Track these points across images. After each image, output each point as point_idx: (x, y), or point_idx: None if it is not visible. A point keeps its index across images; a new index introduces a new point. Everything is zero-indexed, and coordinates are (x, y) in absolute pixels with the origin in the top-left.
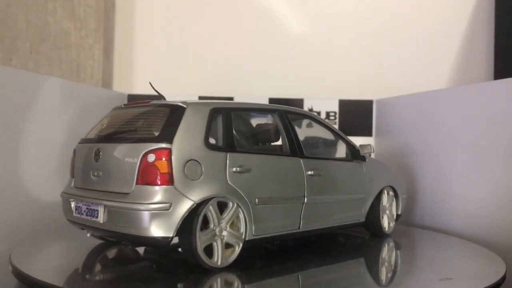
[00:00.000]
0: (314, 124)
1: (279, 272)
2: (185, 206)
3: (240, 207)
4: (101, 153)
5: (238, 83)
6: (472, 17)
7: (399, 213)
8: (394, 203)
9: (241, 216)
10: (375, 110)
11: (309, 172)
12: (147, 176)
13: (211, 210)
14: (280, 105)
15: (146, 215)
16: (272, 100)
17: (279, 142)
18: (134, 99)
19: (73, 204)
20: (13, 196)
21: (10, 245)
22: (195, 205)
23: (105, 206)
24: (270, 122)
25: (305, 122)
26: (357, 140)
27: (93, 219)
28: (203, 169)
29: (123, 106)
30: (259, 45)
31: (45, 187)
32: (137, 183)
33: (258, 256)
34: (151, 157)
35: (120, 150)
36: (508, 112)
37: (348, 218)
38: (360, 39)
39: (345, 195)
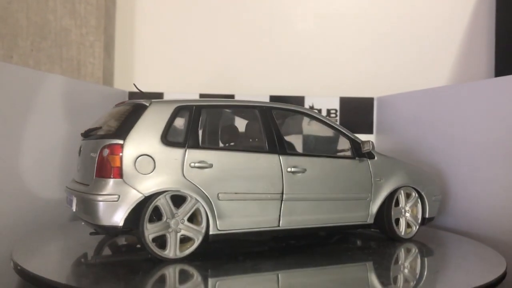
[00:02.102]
0: (310, 120)
1: (252, 269)
2: (132, 198)
3: (200, 202)
4: (81, 148)
5: (239, 81)
6: (472, 14)
7: (427, 216)
8: (419, 205)
9: (202, 210)
10: (376, 107)
11: (290, 169)
12: (101, 169)
13: (163, 203)
14: (266, 102)
15: (96, 205)
16: (273, 98)
17: (257, 139)
18: (134, 97)
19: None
20: (14, 192)
21: (11, 241)
22: (143, 197)
23: (76, 197)
24: (249, 119)
25: (301, 118)
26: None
27: (71, 207)
28: (156, 164)
29: (115, 106)
30: (261, 43)
31: (46, 184)
32: (95, 176)
33: (242, 252)
34: (105, 152)
35: (89, 146)
36: (508, 110)
37: (349, 219)
38: (361, 37)
39: (340, 193)
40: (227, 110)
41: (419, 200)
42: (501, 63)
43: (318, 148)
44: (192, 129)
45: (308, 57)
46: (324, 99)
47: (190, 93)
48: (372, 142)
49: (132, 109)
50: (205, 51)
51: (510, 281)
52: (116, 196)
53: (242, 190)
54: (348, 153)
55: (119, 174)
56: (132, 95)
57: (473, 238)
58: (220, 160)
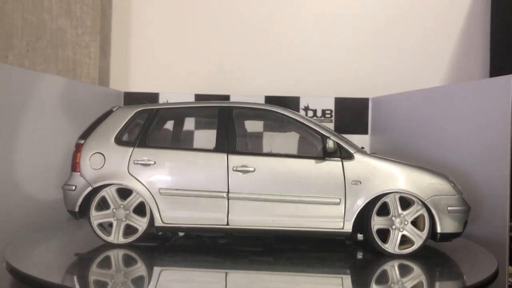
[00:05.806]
0: (283, 119)
1: (211, 265)
2: (84, 188)
3: (141, 196)
4: None
5: (235, 81)
6: (467, 14)
7: (439, 231)
8: (426, 217)
9: (146, 203)
10: (371, 107)
11: (235, 168)
12: (71, 164)
13: (109, 194)
14: (231, 101)
15: (63, 193)
16: (268, 98)
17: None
18: (130, 97)
19: None
20: (8, 193)
21: (4, 241)
22: (91, 188)
23: None
24: (209, 119)
25: (270, 116)
26: (353, 138)
27: None
28: (105, 160)
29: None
30: (256, 44)
31: (40, 184)
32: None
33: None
34: (73, 150)
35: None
36: (504, 110)
37: (315, 224)
38: (356, 37)
39: (297, 195)
40: (188, 112)
41: (425, 211)
42: (496, 63)
43: (278, 147)
44: (144, 130)
45: (303, 58)
46: (319, 99)
47: (185, 94)
48: (333, 140)
49: (103, 114)
50: (201, 52)
51: (502, 280)
52: (74, 186)
53: (183, 187)
54: (315, 152)
55: (78, 168)
56: (127, 96)
57: (464, 237)
58: (164, 158)
